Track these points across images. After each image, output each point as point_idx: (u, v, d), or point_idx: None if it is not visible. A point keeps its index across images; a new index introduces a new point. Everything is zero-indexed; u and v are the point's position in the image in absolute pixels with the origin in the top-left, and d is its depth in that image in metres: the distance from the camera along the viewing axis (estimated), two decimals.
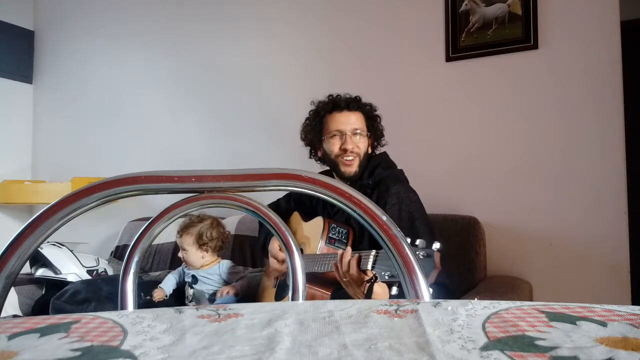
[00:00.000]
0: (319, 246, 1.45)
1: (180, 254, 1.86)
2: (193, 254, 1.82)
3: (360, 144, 1.52)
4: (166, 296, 1.86)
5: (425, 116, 2.17)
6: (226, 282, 1.84)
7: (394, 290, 1.05)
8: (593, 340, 0.33)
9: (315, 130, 1.59)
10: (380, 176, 1.52)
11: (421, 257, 1.02)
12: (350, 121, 1.53)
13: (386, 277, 1.09)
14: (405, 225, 1.38)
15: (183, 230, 1.83)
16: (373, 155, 1.60)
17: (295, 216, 1.70)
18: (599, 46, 1.85)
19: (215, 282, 1.84)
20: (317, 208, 1.62)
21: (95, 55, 3.04)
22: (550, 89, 1.93)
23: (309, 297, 1.42)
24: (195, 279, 1.85)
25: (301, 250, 1.54)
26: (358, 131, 1.52)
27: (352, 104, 1.55)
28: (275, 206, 1.77)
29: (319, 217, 1.52)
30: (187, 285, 1.87)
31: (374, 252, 1.16)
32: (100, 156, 2.96)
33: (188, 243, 1.81)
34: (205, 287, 1.83)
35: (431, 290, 0.88)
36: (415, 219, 1.40)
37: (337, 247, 1.44)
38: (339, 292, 1.40)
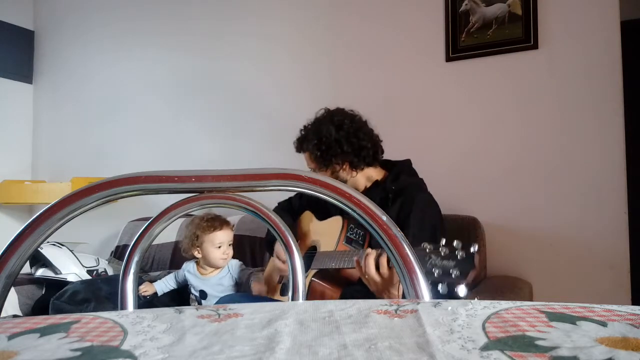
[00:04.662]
0: (336, 244, 1.45)
1: (210, 253, 1.73)
2: (231, 250, 1.76)
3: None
4: (155, 294, 1.83)
5: (425, 116, 2.17)
6: (237, 283, 1.79)
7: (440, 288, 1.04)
8: (593, 340, 0.33)
9: None
10: (404, 183, 1.50)
11: (459, 257, 1.01)
12: (306, 161, 1.59)
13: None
14: (425, 235, 1.37)
15: (226, 224, 1.76)
16: (398, 162, 1.61)
17: (308, 215, 1.70)
18: (599, 46, 1.85)
19: (228, 287, 1.77)
20: (331, 208, 1.62)
21: (95, 55, 3.04)
22: (550, 89, 1.93)
23: (319, 294, 1.42)
24: (204, 294, 1.76)
25: (315, 248, 1.54)
26: (312, 169, 1.56)
27: (297, 147, 1.60)
28: (287, 204, 1.77)
29: (338, 216, 1.52)
30: (192, 297, 1.80)
31: None
32: (100, 156, 2.96)
33: (230, 238, 1.76)
34: (213, 302, 1.73)
35: (465, 290, 0.89)
36: (436, 231, 1.41)
37: (354, 247, 1.43)
38: (348, 289, 1.41)
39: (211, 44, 2.69)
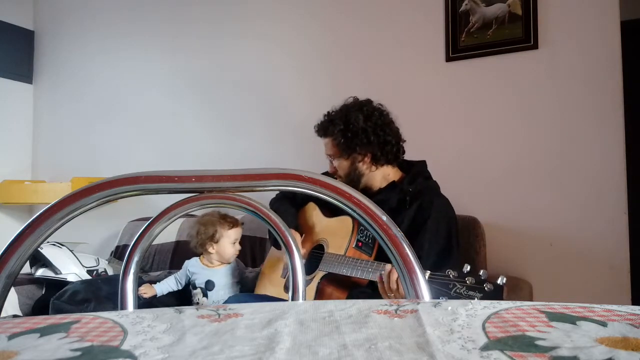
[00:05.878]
0: (346, 247, 1.44)
1: (227, 249, 1.77)
2: (239, 247, 1.81)
3: (338, 168, 1.54)
4: (155, 296, 1.83)
5: (425, 116, 2.16)
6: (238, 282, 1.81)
7: None
8: (593, 340, 0.33)
9: None
10: (421, 186, 1.49)
11: (486, 289, 1.00)
12: (326, 147, 1.57)
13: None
14: (440, 240, 1.39)
15: (239, 223, 1.81)
16: (415, 163, 1.59)
17: (312, 207, 1.68)
18: (599, 46, 1.85)
19: (234, 282, 1.79)
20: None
21: (95, 55, 3.04)
22: (550, 89, 1.93)
23: (327, 295, 1.42)
24: (211, 285, 1.77)
25: (322, 247, 1.53)
26: (330, 157, 1.55)
27: (320, 130, 1.56)
28: (289, 192, 1.74)
29: (347, 217, 1.50)
30: (197, 291, 1.80)
31: (428, 273, 1.12)
32: (100, 156, 2.96)
33: (240, 235, 1.80)
34: (219, 294, 1.75)
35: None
36: (451, 237, 1.42)
37: (364, 251, 1.43)
38: (355, 291, 1.40)
39: (211, 44, 2.69)
